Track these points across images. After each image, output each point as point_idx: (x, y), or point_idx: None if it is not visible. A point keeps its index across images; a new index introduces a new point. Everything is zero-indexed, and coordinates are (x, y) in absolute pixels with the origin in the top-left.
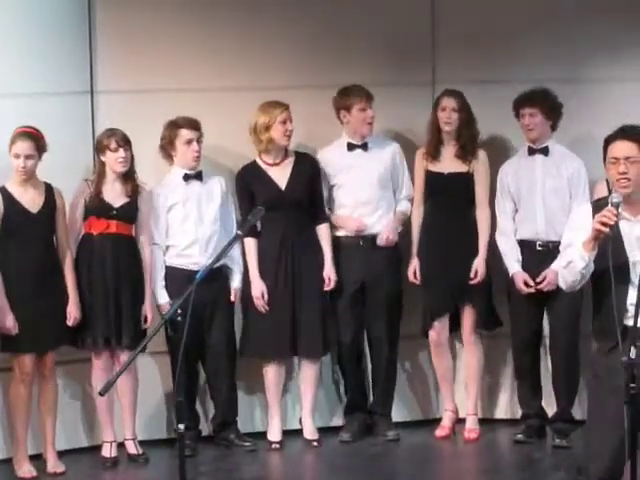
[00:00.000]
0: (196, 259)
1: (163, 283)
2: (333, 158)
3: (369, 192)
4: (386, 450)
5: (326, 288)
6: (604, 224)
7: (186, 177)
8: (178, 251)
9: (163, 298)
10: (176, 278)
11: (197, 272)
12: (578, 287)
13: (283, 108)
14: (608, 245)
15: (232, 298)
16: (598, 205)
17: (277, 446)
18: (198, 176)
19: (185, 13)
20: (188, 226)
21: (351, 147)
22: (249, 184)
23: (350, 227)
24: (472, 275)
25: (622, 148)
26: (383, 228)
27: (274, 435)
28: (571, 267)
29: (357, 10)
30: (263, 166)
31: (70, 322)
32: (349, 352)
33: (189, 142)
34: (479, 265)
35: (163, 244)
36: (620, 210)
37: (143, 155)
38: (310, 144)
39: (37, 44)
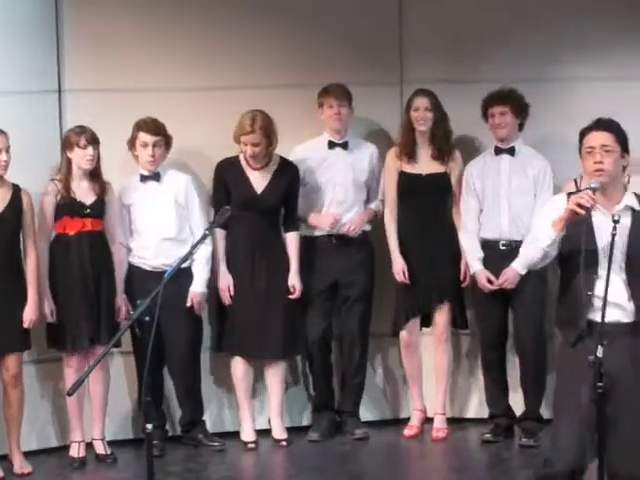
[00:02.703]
0: (150, 261)
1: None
2: (312, 155)
3: (345, 191)
4: (354, 449)
5: (292, 297)
6: (580, 206)
7: (143, 178)
8: (134, 251)
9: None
10: (133, 277)
11: (151, 272)
12: (539, 266)
13: (247, 132)
14: (579, 233)
15: (188, 303)
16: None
17: (253, 446)
18: (155, 177)
19: (154, 12)
20: (143, 227)
21: (332, 145)
22: (225, 180)
23: (324, 223)
24: (462, 278)
25: (598, 137)
26: (351, 218)
27: (248, 435)
28: (536, 244)
29: (325, 11)
30: (244, 165)
31: (26, 324)
32: (318, 350)
33: (145, 145)
34: (465, 266)
35: (126, 243)
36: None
37: (110, 154)
38: (283, 143)
39: (4, 43)
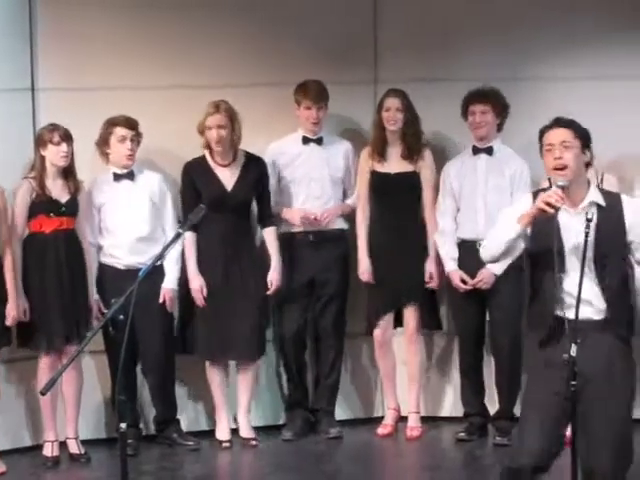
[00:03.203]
0: (124, 260)
1: (94, 282)
2: (287, 150)
3: (321, 187)
4: (329, 448)
5: (268, 292)
6: (549, 204)
7: (116, 176)
8: (107, 250)
9: (94, 296)
10: (105, 276)
11: (125, 271)
12: (499, 260)
13: (212, 111)
14: (547, 233)
15: (161, 299)
16: (539, 194)
17: (227, 445)
18: (129, 175)
19: (126, 12)
20: (116, 226)
21: (306, 140)
22: (194, 180)
23: (295, 218)
24: (427, 279)
25: (557, 134)
26: (325, 209)
27: (223, 434)
28: (498, 235)
29: (299, 10)
30: (211, 164)
31: (8, 322)
32: (292, 348)
33: (123, 140)
34: (432, 268)
35: (96, 242)
36: None
37: (83, 153)
38: (253, 141)
39: None
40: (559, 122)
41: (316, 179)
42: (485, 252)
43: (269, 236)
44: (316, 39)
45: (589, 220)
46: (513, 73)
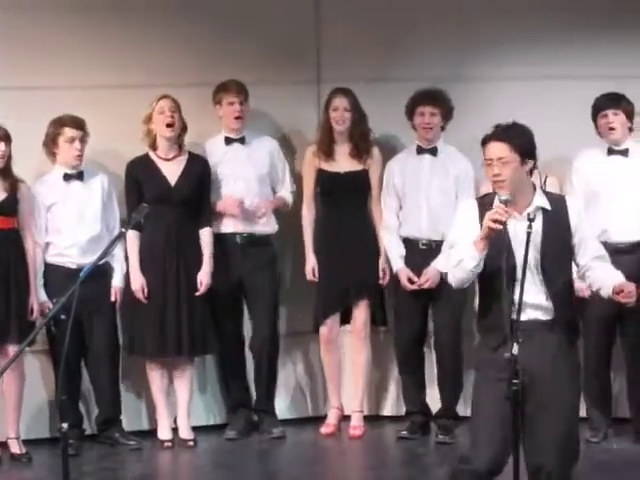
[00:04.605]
0: (76, 259)
1: (42, 282)
2: (214, 150)
3: (247, 186)
4: (271, 447)
5: (198, 293)
6: (496, 221)
7: (67, 177)
8: (58, 250)
9: (42, 296)
10: (55, 276)
11: (77, 271)
12: (467, 284)
13: (160, 97)
14: (498, 245)
15: (112, 297)
16: (483, 201)
17: (169, 444)
18: (79, 176)
19: (72, 12)
20: (68, 226)
21: (229, 141)
22: (138, 177)
23: (230, 206)
24: (380, 275)
25: (494, 149)
26: (259, 200)
27: (165, 434)
28: (462, 266)
29: (242, 9)
30: (155, 160)
31: None
32: (230, 350)
33: (72, 140)
34: (384, 264)
35: (42, 242)
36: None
37: (26, 153)
38: (197, 141)
39: None
40: (496, 134)
41: (241, 178)
42: (454, 281)
43: (204, 237)
44: (258, 39)
45: (531, 220)
46: (457, 73)
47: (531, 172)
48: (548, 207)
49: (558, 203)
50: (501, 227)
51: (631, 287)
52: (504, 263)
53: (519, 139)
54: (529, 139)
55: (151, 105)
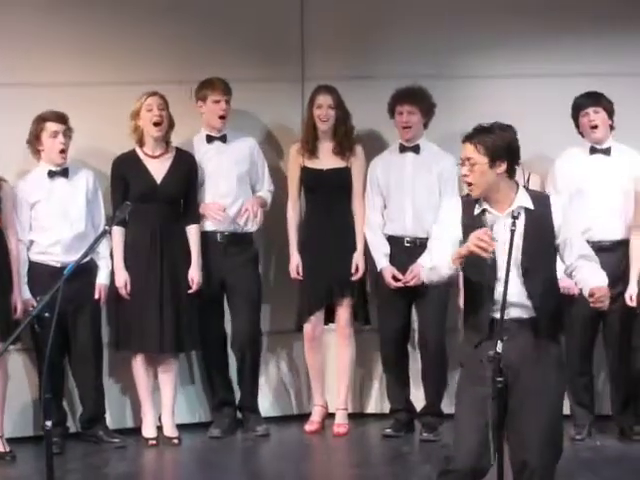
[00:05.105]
0: (60, 257)
1: (26, 279)
2: (196, 149)
3: (228, 184)
4: (256, 445)
5: (190, 291)
6: (483, 249)
7: (51, 173)
8: (42, 248)
9: (25, 294)
10: (39, 274)
11: (61, 269)
12: (441, 284)
13: (149, 95)
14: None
15: (96, 294)
16: (468, 200)
17: (154, 442)
18: (64, 173)
19: (54, 9)
20: (52, 224)
21: (210, 139)
22: (124, 174)
23: (213, 211)
24: (353, 270)
25: (464, 149)
26: (245, 204)
27: (149, 432)
28: (437, 272)
29: (226, 7)
30: (141, 156)
31: None
32: (213, 348)
33: (55, 135)
34: (359, 260)
35: (26, 240)
36: (488, 209)
37: (9, 151)
38: (178, 139)
39: None
40: (467, 135)
41: (222, 176)
42: (427, 281)
43: (191, 234)
44: (243, 37)
45: (515, 217)
46: (440, 71)
47: (510, 172)
48: (531, 206)
49: (542, 202)
50: (487, 255)
51: (602, 292)
52: (487, 261)
53: (490, 141)
54: (504, 141)
55: (139, 100)
